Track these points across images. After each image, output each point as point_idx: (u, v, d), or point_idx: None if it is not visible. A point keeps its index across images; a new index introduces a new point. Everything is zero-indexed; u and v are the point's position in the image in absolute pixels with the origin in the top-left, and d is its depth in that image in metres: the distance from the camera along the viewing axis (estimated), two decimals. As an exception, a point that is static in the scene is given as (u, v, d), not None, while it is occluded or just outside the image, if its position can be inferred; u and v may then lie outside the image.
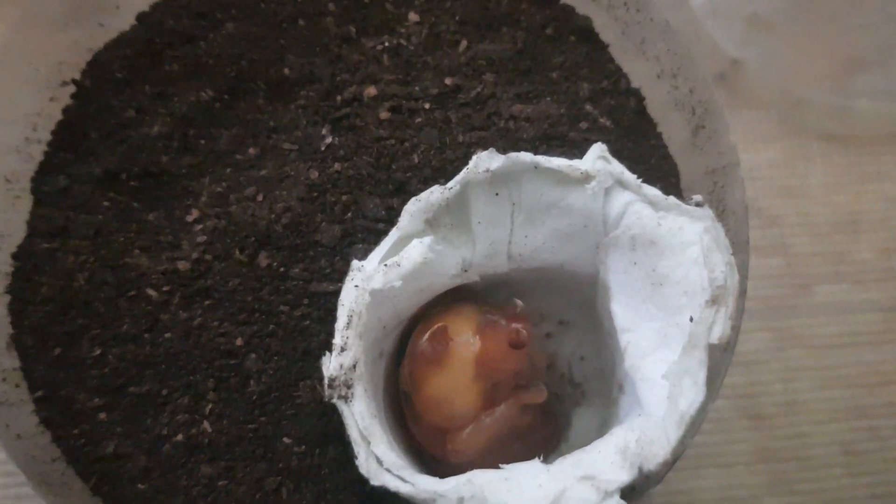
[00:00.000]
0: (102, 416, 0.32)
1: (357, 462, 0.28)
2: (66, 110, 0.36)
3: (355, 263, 0.30)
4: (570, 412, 0.36)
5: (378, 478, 0.28)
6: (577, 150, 0.34)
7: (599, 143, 0.31)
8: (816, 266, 0.50)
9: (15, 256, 0.35)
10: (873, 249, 0.51)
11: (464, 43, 0.37)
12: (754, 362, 0.49)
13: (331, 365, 0.29)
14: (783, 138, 0.52)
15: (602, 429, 0.33)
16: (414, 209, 0.31)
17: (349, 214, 0.34)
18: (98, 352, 0.33)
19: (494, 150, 0.30)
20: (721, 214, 0.33)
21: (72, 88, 0.36)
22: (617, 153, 0.32)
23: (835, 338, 0.49)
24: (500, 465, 0.29)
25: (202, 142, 0.35)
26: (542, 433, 0.34)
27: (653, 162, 0.36)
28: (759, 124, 0.52)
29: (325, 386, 0.29)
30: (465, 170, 0.30)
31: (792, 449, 0.47)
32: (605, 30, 0.38)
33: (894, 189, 0.52)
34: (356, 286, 0.30)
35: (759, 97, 0.52)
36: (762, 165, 0.52)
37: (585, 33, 0.38)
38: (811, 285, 0.50)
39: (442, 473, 0.32)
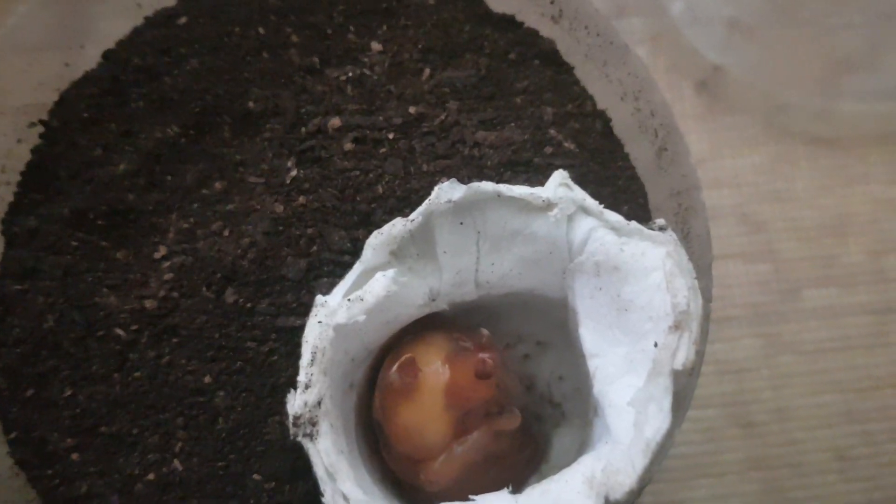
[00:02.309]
0: (75, 456, 0.33)
1: (323, 500, 0.28)
2: (34, 151, 0.36)
3: (319, 298, 0.30)
4: (551, 432, 0.36)
5: (344, 515, 0.28)
6: (542, 176, 0.34)
7: (561, 171, 0.31)
8: (805, 271, 0.50)
9: (-14, 298, 0.35)
10: (862, 252, 0.50)
11: (427, 71, 0.37)
12: (744, 370, 0.48)
13: (295, 403, 0.29)
14: (768, 143, 0.52)
15: (581, 449, 0.33)
16: (376, 242, 0.30)
17: (314, 248, 0.34)
18: (69, 392, 0.33)
19: (456, 180, 0.30)
20: (686, 237, 0.33)
21: (40, 129, 0.36)
22: (583, 176, 0.32)
23: (825, 342, 0.49)
24: (470, 497, 0.29)
25: (169, 178, 0.36)
26: (522, 456, 0.34)
27: (620, 184, 0.35)
28: (743, 129, 0.52)
29: (290, 424, 0.29)
30: (427, 201, 0.30)
31: (785, 456, 0.47)
32: (570, 52, 0.38)
33: (882, 190, 0.51)
34: (319, 322, 0.30)
35: (743, 102, 0.52)
36: (747, 171, 0.51)
37: (550, 56, 0.37)
38: (800, 290, 0.50)
39: (419, 501, 0.32)
